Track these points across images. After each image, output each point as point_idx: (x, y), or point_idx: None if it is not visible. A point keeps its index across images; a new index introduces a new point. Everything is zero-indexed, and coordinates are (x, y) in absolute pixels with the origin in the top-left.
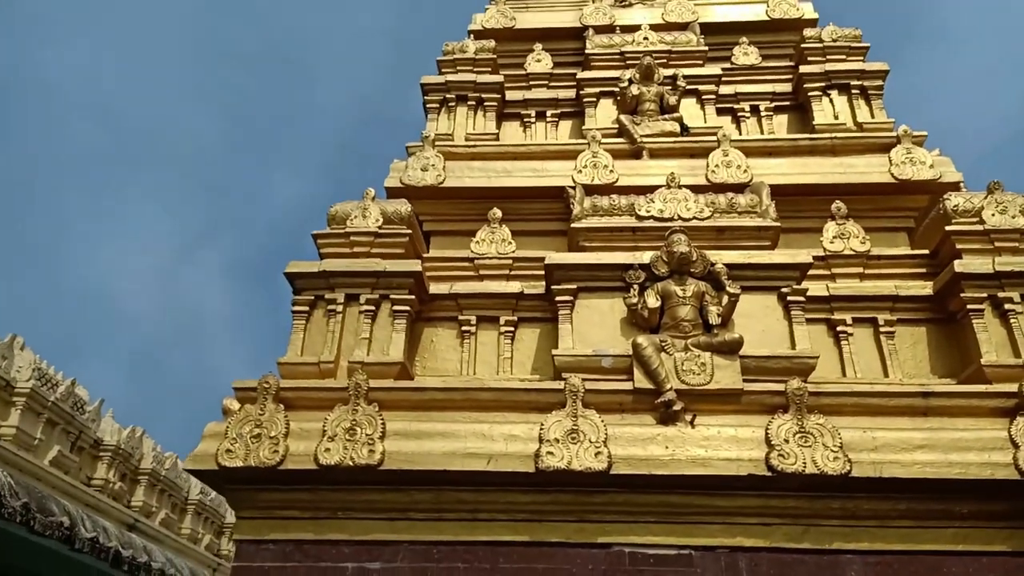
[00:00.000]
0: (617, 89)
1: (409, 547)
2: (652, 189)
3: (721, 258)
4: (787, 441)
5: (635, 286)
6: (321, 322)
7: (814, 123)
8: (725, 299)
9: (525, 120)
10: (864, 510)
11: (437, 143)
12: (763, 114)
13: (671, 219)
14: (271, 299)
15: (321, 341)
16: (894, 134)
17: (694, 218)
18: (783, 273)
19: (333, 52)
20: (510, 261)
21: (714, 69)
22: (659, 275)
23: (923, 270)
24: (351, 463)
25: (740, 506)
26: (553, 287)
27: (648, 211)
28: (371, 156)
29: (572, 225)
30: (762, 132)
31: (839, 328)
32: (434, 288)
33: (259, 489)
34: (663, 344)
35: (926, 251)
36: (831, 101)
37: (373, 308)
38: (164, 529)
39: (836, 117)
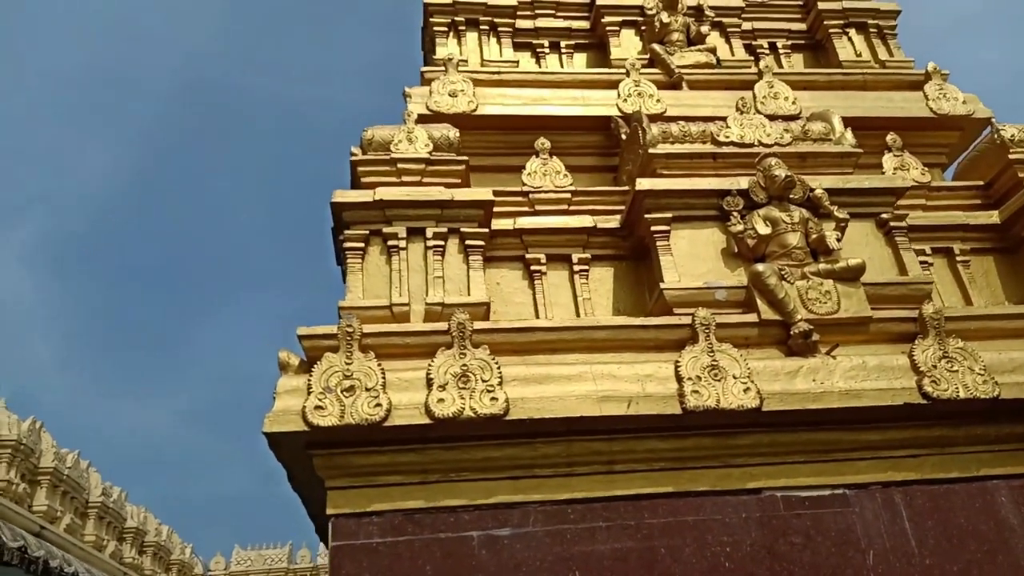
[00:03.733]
0: (639, 19)
1: (539, 508)
2: (700, 120)
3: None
4: (935, 367)
5: (734, 213)
6: (379, 260)
7: (840, 60)
8: (831, 225)
9: (538, 50)
10: (1005, 434)
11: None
12: (781, 51)
13: (752, 145)
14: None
15: (383, 282)
16: (917, 72)
17: (776, 144)
18: (881, 198)
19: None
20: (568, 195)
21: (737, 0)
22: (757, 202)
23: (978, 201)
24: (472, 414)
25: (890, 439)
26: (647, 216)
27: (727, 136)
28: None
29: (649, 151)
30: (781, 68)
31: (919, 260)
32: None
33: (357, 452)
34: (782, 273)
35: (981, 182)
36: (850, 39)
37: (441, 243)
38: (69, 536)
39: (859, 55)
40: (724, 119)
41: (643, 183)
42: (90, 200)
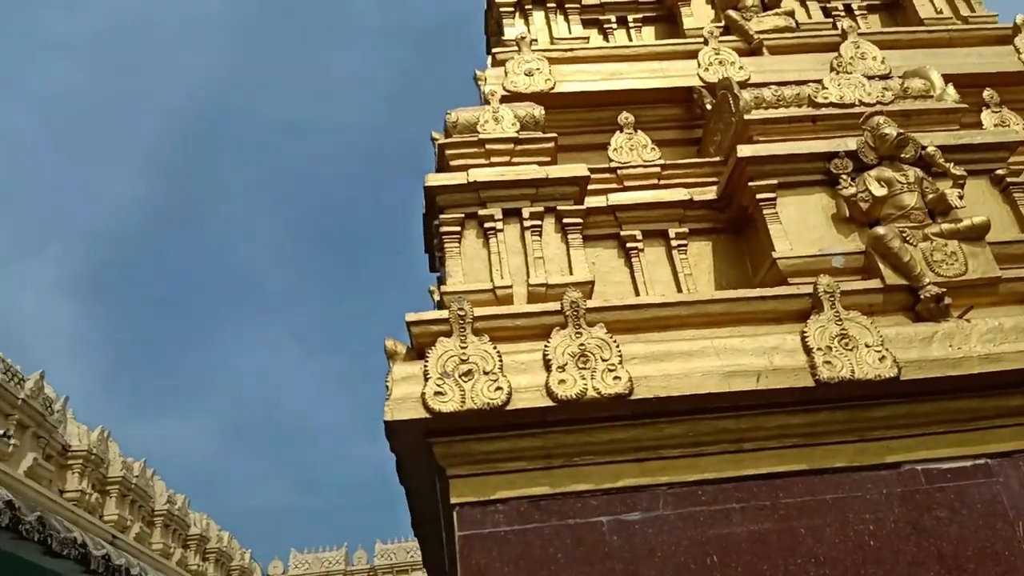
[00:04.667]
0: None
1: (668, 491)
2: (787, 85)
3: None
4: None
5: (844, 176)
6: (476, 244)
7: (921, 17)
8: (947, 184)
9: (605, 26)
10: None
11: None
12: (857, 13)
13: (852, 105)
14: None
15: (482, 265)
16: (1004, 25)
17: (877, 103)
18: (995, 154)
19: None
20: (657, 169)
21: None
22: (866, 163)
23: None
24: (596, 394)
25: None
26: (751, 184)
27: (825, 98)
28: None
29: (744, 117)
30: (860, 30)
31: None
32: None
33: (478, 438)
34: (903, 235)
35: None
36: None
37: (539, 223)
38: (139, 544)
39: (939, 11)
40: (816, 82)
41: (744, 150)
42: (111, 229)
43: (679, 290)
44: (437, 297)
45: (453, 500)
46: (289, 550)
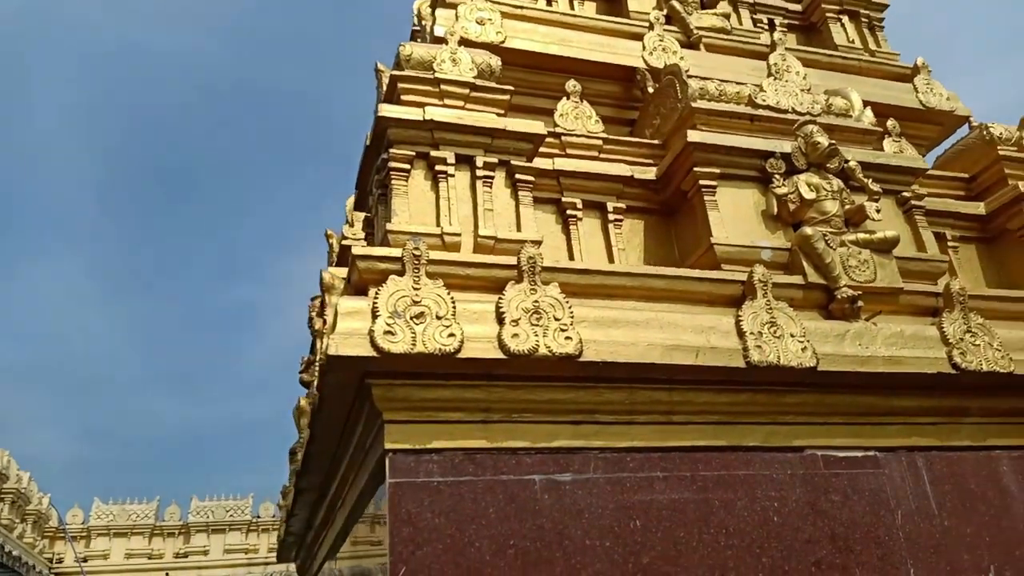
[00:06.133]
0: None
1: (599, 455)
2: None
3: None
4: (962, 340)
5: (777, 176)
6: (424, 185)
7: (835, 43)
8: (863, 198)
9: None
10: (1010, 408)
11: None
12: (778, 28)
13: (786, 111)
14: None
15: (429, 208)
16: (904, 64)
17: (808, 113)
18: (903, 177)
19: None
20: (599, 142)
21: None
22: (797, 167)
23: (962, 192)
24: (547, 352)
25: (915, 406)
26: (696, 169)
27: (763, 100)
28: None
29: (692, 104)
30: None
31: None
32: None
33: (422, 384)
34: (826, 239)
35: (965, 174)
36: (843, 26)
37: (491, 174)
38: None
39: (851, 41)
40: (756, 85)
41: (693, 135)
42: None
43: (611, 263)
44: (332, 241)
45: (388, 446)
46: (92, 500)
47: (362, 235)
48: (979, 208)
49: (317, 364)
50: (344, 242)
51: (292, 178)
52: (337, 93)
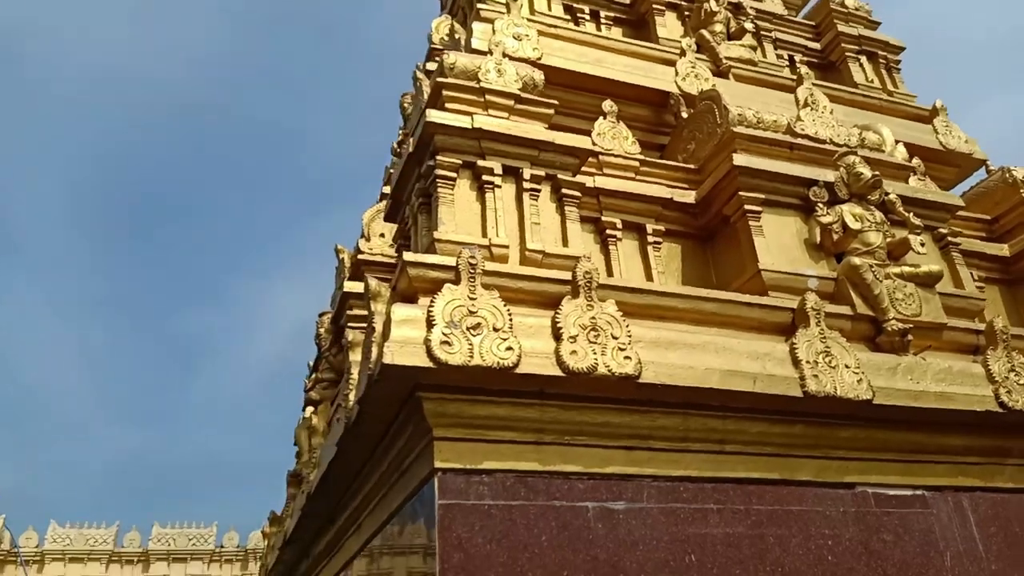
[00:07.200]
0: (682, 3)
1: (652, 483)
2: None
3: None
4: (1007, 378)
5: (820, 204)
6: (469, 196)
7: (855, 82)
8: (904, 231)
9: (578, 15)
10: None
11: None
12: (798, 64)
13: (824, 141)
14: None
15: (474, 219)
16: (922, 106)
17: (845, 145)
18: (940, 213)
19: None
20: (636, 163)
21: (776, 7)
22: (839, 197)
23: (983, 233)
24: (606, 371)
25: (962, 445)
26: (741, 194)
27: (802, 129)
28: None
29: (732, 130)
30: None
31: None
32: None
33: (475, 400)
34: (873, 270)
35: (988, 216)
36: (861, 66)
37: (537, 188)
38: None
39: (870, 81)
40: (782, 115)
41: (740, 159)
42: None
43: None
44: (343, 256)
45: (438, 464)
46: (48, 522)
47: (380, 248)
48: (1003, 250)
49: (356, 376)
50: (360, 256)
51: (258, 204)
52: (311, 124)
